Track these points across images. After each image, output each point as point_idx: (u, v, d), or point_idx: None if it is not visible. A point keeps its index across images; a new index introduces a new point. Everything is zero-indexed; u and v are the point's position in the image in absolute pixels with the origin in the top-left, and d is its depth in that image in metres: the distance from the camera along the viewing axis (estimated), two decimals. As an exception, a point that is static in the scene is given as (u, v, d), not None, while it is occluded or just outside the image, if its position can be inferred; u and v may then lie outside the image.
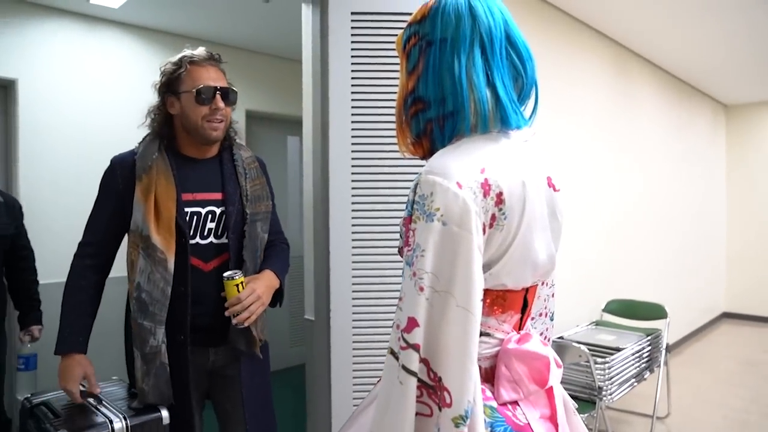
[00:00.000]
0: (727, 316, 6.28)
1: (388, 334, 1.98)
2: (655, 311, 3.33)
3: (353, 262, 1.90)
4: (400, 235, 0.94)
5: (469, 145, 0.88)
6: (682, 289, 5.06)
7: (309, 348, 2.17)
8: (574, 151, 3.50)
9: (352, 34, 1.88)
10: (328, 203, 1.90)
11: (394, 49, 1.88)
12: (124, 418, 1.44)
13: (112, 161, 1.56)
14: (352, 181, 1.89)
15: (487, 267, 0.87)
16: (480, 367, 0.91)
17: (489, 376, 0.92)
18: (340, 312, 1.90)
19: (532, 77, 0.95)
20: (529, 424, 0.89)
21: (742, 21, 3.55)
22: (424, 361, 0.80)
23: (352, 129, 1.89)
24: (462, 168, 0.83)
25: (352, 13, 1.87)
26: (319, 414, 2.02)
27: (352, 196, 1.90)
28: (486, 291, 0.87)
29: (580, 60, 3.54)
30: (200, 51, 1.57)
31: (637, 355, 2.92)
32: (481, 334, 0.90)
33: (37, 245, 2.87)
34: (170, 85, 1.54)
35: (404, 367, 0.81)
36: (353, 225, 1.90)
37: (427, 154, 0.97)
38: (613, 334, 3.12)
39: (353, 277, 1.90)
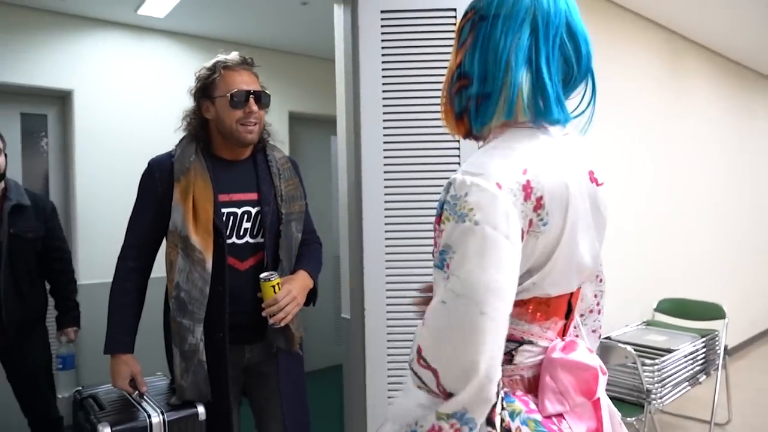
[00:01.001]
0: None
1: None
2: (712, 311, 3.16)
3: (386, 261, 1.90)
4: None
5: (510, 142, 0.83)
6: (744, 289, 4.77)
7: (346, 346, 2.18)
8: (625, 145, 3.36)
9: (382, 32, 1.88)
10: (361, 203, 1.91)
11: (424, 46, 1.87)
12: (162, 413, 1.49)
13: (150, 163, 1.60)
14: (385, 180, 1.89)
15: (528, 275, 0.82)
16: (522, 377, 0.87)
17: (532, 387, 0.87)
18: (374, 311, 1.90)
19: (586, 69, 0.88)
20: None
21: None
22: (434, 372, 0.75)
23: (384, 127, 1.89)
24: (503, 168, 0.78)
25: (382, 11, 1.87)
26: (356, 413, 2.03)
27: (385, 195, 1.89)
28: (526, 300, 0.83)
29: (629, 50, 3.40)
30: (233, 56, 1.59)
31: (690, 357, 2.78)
32: (524, 342, 0.86)
33: (91, 247, 3.03)
34: (205, 90, 1.58)
35: (413, 371, 0.79)
36: (386, 224, 1.90)
37: (468, 134, 0.93)
38: (665, 335, 2.98)
39: (387, 276, 1.90)
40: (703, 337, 2.93)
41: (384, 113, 1.89)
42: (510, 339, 0.84)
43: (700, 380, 2.86)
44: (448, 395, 0.74)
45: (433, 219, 1.89)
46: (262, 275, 1.50)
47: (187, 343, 1.51)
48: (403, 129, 1.89)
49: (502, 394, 0.80)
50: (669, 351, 2.63)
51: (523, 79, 0.82)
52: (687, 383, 2.75)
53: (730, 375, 3.28)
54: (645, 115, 3.57)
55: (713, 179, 4.41)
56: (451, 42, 1.84)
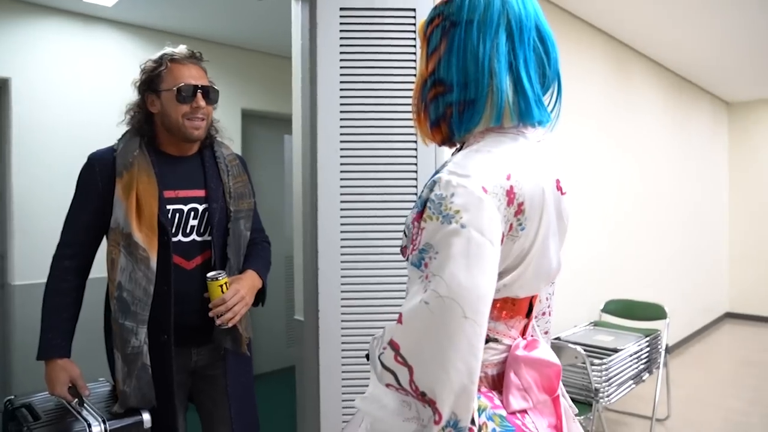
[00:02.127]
0: (729, 316, 6.22)
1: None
2: (655, 311, 3.29)
3: (342, 262, 1.87)
4: (405, 234, 0.91)
5: (491, 146, 0.83)
6: (683, 290, 5.02)
7: (299, 348, 2.14)
8: (572, 149, 3.46)
9: (340, 30, 1.85)
10: (316, 202, 1.88)
11: (383, 45, 1.86)
12: (103, 422, 1.41)
13: (90, 158, 1.52)
14: (341, 179, 1.87)
15: (499, 277, 0.82)
16: (486, 374, 0.88)
17: (496, 384, 0.89)
18: (328, 313, 1.87)
19: (556, 71, 0.90)
20: None
21: (743, 16, 3.51)
22: (410, 369, 0.76)
23: (341, 126, 1.86)
24: (488, 172, 0.78)
25: (341, 9, 1.85)
26: (309, 414, 2.00)
27: (341, 195, 1.87)
28: (497, 298, 0.84)
29: (579, 58, 3.51)
30: (181, 49, 1.55)
31: (635, 356, 2.88)
32: (489, 339, 0.87)
33: (28, 246, 2.87)
34: (150, 83, 1.52)
35: (383, 365, 0.79)
36: (342, 224, 1.87)
37: (445, 140, 0.92)
38: (612, 335, 3.08)
39: (342, 277, 1.87)
40: (647, 336, 3.04)
41: (341, 111, 1.86)
42: None
43: (644, 378, 2.97)
44: (421, 394, 0.75)
45: (390, 219, 1.86)
46: (210, 274, 1.46)
47: (130, 345, 1.44)
48: (361, 128, 1.87)
49: None
50: (615, 350, 2.72)
51: (508, 83, 0.83)
52: (632, 381, 2.85)
53: (669, 372, 3.43)
54: (593, 122, 3.69)
55: (658, 183, 4.61)
56: (410, 42, 1.85)
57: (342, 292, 1.87)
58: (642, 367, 2.98)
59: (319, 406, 1.88)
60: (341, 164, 1.86)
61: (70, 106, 3.08)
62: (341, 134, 1.86)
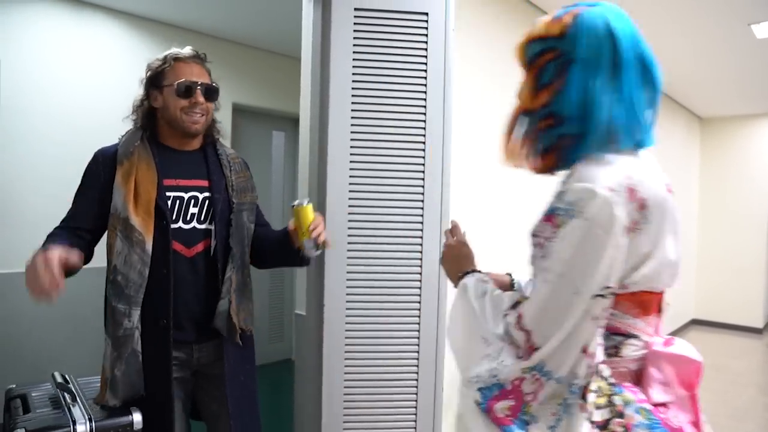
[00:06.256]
0: (695, 322, 6.46)
1: (382, 330, 1.99)
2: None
3: (348, 258, 1.90)
4: (534, 245, 0.97)
5: (610, 158, 0.92)
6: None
7: (299, 343, 2.15)
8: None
9: (354, 30, 1.87)
10: (324, 198, 1.90)
11: (395, 47, 1.89)
12: (90, 420, 1.38)
13: (95, 153, 1.57)
14: (350, 177, 1.89)
15: (633, 269, 0.91)
16: (629, 369, 0.94)
17: (637, 380, 0.95)
18: (333, 307, 1.89)
19: (660, 91, 0.98)
20: (682, 428, 0.92)
21: (720, 34, 3.66)
22: (526, 332, 0.90)
23: (352, 125, 1.89)
24: (610, 174, 0.88)
25: (355, 9, 1.87)
26: (308, 411, 2.01)
27: (350, 192, 1.89)
28: (635, 292, 0.92)
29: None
30: (187, 50, 1.61)
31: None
32: (630, 336, 0.94)
33: (14, 233, 2.80)
34: (154, 79, 1.57)
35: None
36: (349, 221, 1.90)
37: (550, 168, 1.01)
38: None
39: (348, 273, 1.90)
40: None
41: (353, 110, 1.88)
42: (616, 332, 0.94)
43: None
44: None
45: (396, 218, 1.98)
46: (296, 202, 1.51)
47: (122, 328, 1.44)
48: (371, 129, 1.89)
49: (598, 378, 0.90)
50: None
51: (618, 115, 0.91)
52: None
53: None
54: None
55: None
56: (422, 45, 1.89)
57: (348, 287, 1.89)
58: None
59: (320, 404, 1.90)
60: (351, 162, 1.88)
61: (58, 92, 3.02)
62: (352, 131, 1.88)
